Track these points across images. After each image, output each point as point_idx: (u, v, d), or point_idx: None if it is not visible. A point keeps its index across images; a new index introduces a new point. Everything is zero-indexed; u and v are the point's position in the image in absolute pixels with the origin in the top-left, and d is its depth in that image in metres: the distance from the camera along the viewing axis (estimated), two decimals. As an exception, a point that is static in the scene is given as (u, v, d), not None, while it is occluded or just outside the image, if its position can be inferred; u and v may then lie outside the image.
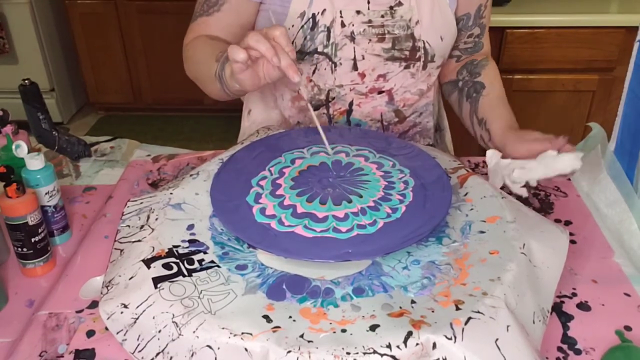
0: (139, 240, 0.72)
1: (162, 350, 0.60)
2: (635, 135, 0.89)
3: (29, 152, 0.80)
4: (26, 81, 0.98)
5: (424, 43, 0.95)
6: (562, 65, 1.91)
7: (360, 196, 0.75)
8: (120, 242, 0.74)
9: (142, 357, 0.61)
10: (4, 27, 2.74)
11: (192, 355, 0.59)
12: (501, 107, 0.98)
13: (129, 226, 0.76)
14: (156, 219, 0.75)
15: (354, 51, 0.94)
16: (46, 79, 2.88)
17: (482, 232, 0.72)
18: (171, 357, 0.60)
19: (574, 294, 0.74)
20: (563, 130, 2.11)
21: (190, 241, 0.71)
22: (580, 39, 1.85)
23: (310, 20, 0.91)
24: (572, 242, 0.83)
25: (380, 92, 0.99)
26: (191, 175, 0.82)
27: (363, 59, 0.95)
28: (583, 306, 0.72)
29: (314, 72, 0.96)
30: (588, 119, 1.99)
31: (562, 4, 1.90)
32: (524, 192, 0.81)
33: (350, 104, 1.00)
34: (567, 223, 0.87)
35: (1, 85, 2.78)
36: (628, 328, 0.69)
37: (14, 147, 0.81)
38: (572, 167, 0.79)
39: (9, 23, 2.74)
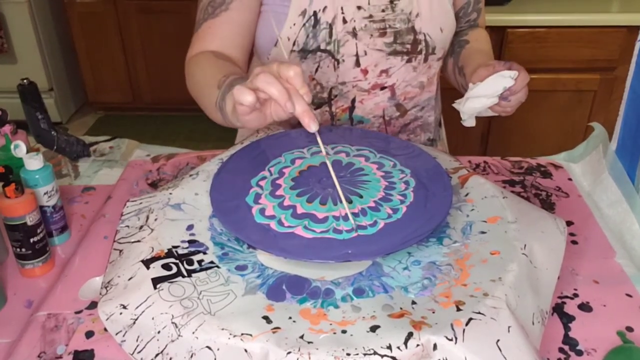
0: (138, 241, 0.72)
1: (162, 351, 0.60)
2: (637, 135, 0.88)
3: (27, 152, 0.79)
4: (25, 81, 0.97)
5: (424, 36, 0.96)
6: (563, 64, 1.90)
7: (361, 196, 0.75)
8: (120, 243, 0.74)
9: (142, 358, 0.61)
10: (3, 27, 2.73)
11: (191, 356, 0.58)
12: (481, 55, 1.00)
13: (128, 226, 0.76)
14: (155, 220, 0.74)
15: (356, 47, 0.94)
16: (45, 78, 2.88)
17: (483, 232, 0.72)
18: (170, 358, 0.59)
19: (576, 295, 0.73)
20: (564, 130, 2.12)
21: (189, 241, 0.71)
22: (582, 39, 1.85)
23: (312, 17, 0.91)
24: (574, 242, 0.83)
25: (382, 88, 0.99)
26: (191, 175, 0.82)
27: (365, 54, 0.95)
28: (584, 307, 0.72)
29: (316, 70, 0.96)
30: (589, 118, 1.99)
31: (563, 3, 1.90)
32: (472, 123, 0.87)
33: (353, 100, 1.00)
34: (569, 223, 0.87)
35: (0, 85, 2.78)
36: (630, 329, 0.68)
37: (12, 147, 0.81)
38: (502, 84, 0.81)
39: (8, 22, 2.74)
